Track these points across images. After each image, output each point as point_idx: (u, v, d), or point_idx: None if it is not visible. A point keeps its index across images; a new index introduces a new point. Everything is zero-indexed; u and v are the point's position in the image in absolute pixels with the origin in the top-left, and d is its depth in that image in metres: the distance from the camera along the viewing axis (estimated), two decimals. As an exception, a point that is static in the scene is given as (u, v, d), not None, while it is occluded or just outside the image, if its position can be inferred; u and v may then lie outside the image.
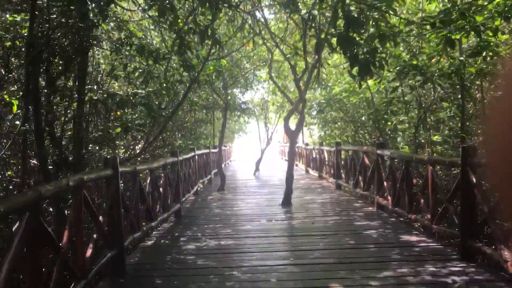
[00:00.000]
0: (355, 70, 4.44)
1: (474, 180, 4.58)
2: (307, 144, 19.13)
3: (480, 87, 8.09)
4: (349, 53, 4.24)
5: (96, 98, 5.60)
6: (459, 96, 7.57)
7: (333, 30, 4.59)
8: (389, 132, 10.38)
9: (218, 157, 13.71)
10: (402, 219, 7.31)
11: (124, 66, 5.96)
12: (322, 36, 4.82)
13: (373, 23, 4.47)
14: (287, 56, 9.79)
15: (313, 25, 5.29)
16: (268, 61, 12.94)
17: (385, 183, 7.77)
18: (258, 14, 8.50)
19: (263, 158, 20.13)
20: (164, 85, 6.78)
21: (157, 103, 7.48)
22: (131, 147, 11.19)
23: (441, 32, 4.91)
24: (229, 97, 14.22)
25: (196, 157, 12.13)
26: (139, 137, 12.10)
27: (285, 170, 20.79)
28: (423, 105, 7.62)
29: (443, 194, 5.41)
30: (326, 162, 14.09)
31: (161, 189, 7.07)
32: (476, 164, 4.58)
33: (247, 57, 13.27)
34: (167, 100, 8.28)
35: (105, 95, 5.61)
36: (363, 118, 10.85)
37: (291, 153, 9.31)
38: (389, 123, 8.71)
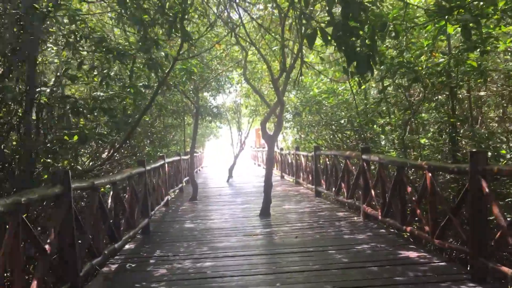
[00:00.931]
0: (352, 67, 3.79)
1: (486, 189, 4.00)
2: (281, 149, 18.51)
3: (468, 86, 7.63)
4: (347, 46, 3.59)
5: (46, 101, 4.75)
6: (449, 96, 7.08)
7: (325, 19, 3.99)
8: (370, 136, 9.85)
9: (189, 165, 12.89)
10: (393, 230, 6.72)
11: (79, 65, 5.12)
12: (314, 25, 4.16)
13: (373, 9, 3.85)
14: (264, 54, 9.14)
15: (297, 11, 4.61)
16: (241, 62, 12.26)
17: (372, 191, 7.17)
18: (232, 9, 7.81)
19: (236, 164, 19.36)
20: (128, 88, 5.95)
21: (121, 108, 6.64)
22: (96, 156, 10.27)
23: (441, 22, 4.35)
24: (200, 101, 13.45)
25: (166, 165, 11.29)
26: (105, 145, 11.20)
27: (259, 175, 20.26)
28: (412, 106, 7.09)
29: (446, 205, 4.82)
30: (303, 168, 13.48)
31: (126, 204, 6.24)
32: (489, 172, 4.00)
33: (218, 58, 12.53)
34: (132, 105, 7.45)
35: (58, 99, 4.76)
36: (342, 121, 10.28)
37: (270, 160, 8.62)
38: (375, 126, 8.14)
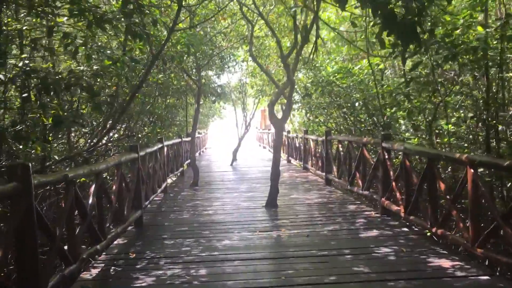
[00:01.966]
0: (385, 39, 2.89)
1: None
2: (288, 132, 17.64)
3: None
4: (386, 9, 2.71)
5: (9, 76, 3.92)
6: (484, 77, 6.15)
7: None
8: (388, 120, 8.95)
9: (190, 148, 12.08)
10: (417, 229, 5.90)
11: (49, 31, 4.25)
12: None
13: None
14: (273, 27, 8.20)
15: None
16: (247, 37, 11.31)
17: (393, 184, 6.33)
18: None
19: (241, 146, 18.48)
20: (115, 62, 5.05)
21: (103, 86, 5.78)
22: (80, 141, 9.46)
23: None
24: (203, 80, 12.56)
25: (165, 149, 10.49)
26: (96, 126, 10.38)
27: (264, 158, 19.42)
28: (444, 86, 6.20)
29: (495, 210, 3.97)
30: (312, 153, 12.63)
31: (113, 196, 5.44)
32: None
33: (223, 33, 11.58)
34: (121, 81, 6.60)
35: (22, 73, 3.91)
36: (356, 104, 9.38)
37: (277, 146, 7.77)
38: (399, 111, 7.24)
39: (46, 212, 5.80)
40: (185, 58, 8.83)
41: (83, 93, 4.86)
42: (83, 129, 7.93)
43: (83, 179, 5.53)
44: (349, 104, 9.63)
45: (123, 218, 5.81)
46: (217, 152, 25.13)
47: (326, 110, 11.36)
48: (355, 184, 8.42)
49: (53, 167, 5.30)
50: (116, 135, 12.88)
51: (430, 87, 6.12)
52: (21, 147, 4.57)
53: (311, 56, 6.60)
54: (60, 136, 9.61)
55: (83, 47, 4.62)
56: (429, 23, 5.04)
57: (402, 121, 9.00)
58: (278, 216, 7.24)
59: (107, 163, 5.23)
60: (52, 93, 4.01)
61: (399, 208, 6.10)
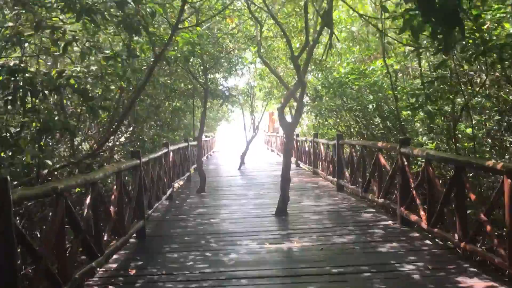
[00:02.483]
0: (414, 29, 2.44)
1: None
2: (297, 135, 17.19)
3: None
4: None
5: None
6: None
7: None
8: (403, 124, 8.50)
9: (197, 152, 11.69)
10: (441, 243, 5.44)
11: (36, 26, 3.86)
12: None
13: None
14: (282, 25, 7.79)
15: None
16: (255, 38, 10.90)
17: (414, 192, 5.87)
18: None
19: (249, 149, 18.03)
20: (110, 59, 4.64)
21: (102, 88, 5.40)
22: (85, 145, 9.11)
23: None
24: (210, 83, 12.17)
25: (171, 154, 10.10)
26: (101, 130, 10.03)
27: (273, 162, 18.98)
28: (468, 88, 5.74)
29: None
30: (322, 157, 12.18)
31: (112, 207, 5.05)
32: None
33: (230, 34, 11.18)
34: (123, 84, 6.22)
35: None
36: (370, 106, 8.92)
37: (287, 151, 7.34)
38: (417, 114, 6.76)
39: (35, 227, 5.42)
40: (191, 59, 8.40)
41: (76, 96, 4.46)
42: (84, 133, 7.56)
43: (78, 189, 5.15)
44: (361, 107, 9.17)
45: (124, 230, 5.41)
46: (224, 156, 24.75)
47: (336, 113, 10.89)
48: (370, 191, 7.97)
49: (46, 180, 4.90)
50: (123, 139, 12.60)
51: (452, 88, 5.65)
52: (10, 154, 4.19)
53: (324, 57, 6.18)
54: (63, 140, 9.34)
55: (76, 44, 4.23)
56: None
57: (417, 125, 8.55)
58: (289, 226, 6.81)
59: (105, 171, 4.83)
60: (40, 94, 3.62)
61: (420, 218, 5.64)
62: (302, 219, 7.24)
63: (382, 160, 7.16)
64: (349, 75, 8.51)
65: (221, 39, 11.25)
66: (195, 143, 14.81)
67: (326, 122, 13.46)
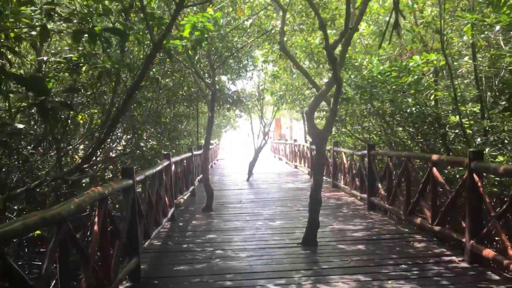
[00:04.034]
0: None
1: None
2: (311, 143, 15.75)
3: None
4: None
5: None
6: None
7: None
8: (451, 131, 7.07)
9: (203, 164, 10.25)
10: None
11: None
12: None
13: None
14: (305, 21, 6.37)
15: None
16: (270, 33, 9.51)
17: (496, 222, 4.42)
18: None
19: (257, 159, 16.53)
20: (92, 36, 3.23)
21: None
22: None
23: None
24: (217, 85, 10.78)
25: (173, 166, 8.66)
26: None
27: (283, 172, 17.51)
28: None
29: None
30: (346, 169, 10.72)
31: (90, 251, 3.60)
32: None
33: (241, 29, 9.79)
34: (111, 79, 4.81)
35: None
36: (410, 110, 7.49)
37: (319, 166, 5.86)
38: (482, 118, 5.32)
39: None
40: (198, 54, 7.00)
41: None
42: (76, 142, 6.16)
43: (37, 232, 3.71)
44: (398, 111, 7.73)
45: (110, 277, 3.96)
46: (230, 164, 23.29)
47: (366, 118, 9.46)
48: (416, 214, 6.52)
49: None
50: (120, 148, 11.18)
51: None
52: None
53: (386, 44, 4.72)
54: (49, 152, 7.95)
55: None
56: None
57: (470, 131, 7.11)
58: (323, 261, 5.34)
59: (80, 202, 3.39)
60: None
61: (505, 258, 4.18)
62: (337, 250, 5.79)
63: (439, 177, 5.69)
64: (388, 72, 7.05)
65: (230, 35, 9.86)
66: (199, 152, 13.42)
67: (344, 130, 12.07)
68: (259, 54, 13.16)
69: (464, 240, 5.03)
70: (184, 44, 5.31)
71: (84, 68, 5.57)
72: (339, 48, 6.07)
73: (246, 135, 36.37)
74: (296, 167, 19.19)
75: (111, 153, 10.33)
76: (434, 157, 5.76)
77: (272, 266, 5.20)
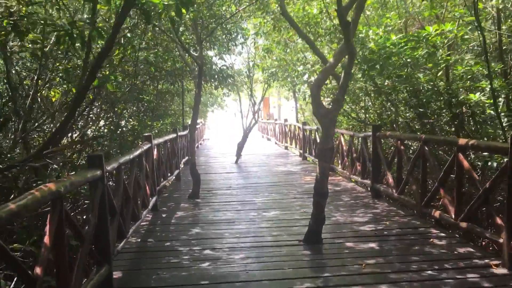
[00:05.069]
0: None
1: None
2: (304, 123, 14.86)
3: None
4: None
5: None
6: None
7: None
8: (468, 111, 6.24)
9: (189, 147, 9.31)
10: None
11: None
12: None
13: None
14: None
15: None
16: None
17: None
18: None
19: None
20: None
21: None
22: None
23: None
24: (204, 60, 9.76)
25: (155, 150, 7.70)
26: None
27: (273, 154, 16.63)
28: None
29: None
30: (345, 152, 9.86)
31: (37, 268, 2.67)
32: None
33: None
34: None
35: None
36: (427, 87, 6.60)
37: (326, 151, 4.95)
38: None
39: None
40: (183, 16, 5.98)
41: None
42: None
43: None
44: (413, 88, 6.85)
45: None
46: (217, 145, 22.33)
47: (366, 97, 8.58)
48: (432, 205, 5.72)
49: None
50: (104, 129, 10.15)
51: None
52: None
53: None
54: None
55: None
56: None
57: (491, 112, 6.28)
58: (330, 265, 4.50)
59: (22, 206, 2.43)
60: None
61: None
62: (346, 250, 4.96)
63: (466, 165, 4.85)
64: (402, 43, 6.12)
65: (218, 2, 8.80)
66: (184, 133, 12.44)
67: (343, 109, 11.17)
68: (249, 26, 12.12)
69: (501, 240, 4.23)
70: (165, 3, 4.31)
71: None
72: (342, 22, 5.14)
73: (233, 114, 35.36)
74: (286, 148, 18.34)
75: (89, 135, 9.32)
76: (462, 141, 4.91)
77: (272, 273, 4.35)
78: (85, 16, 4.95)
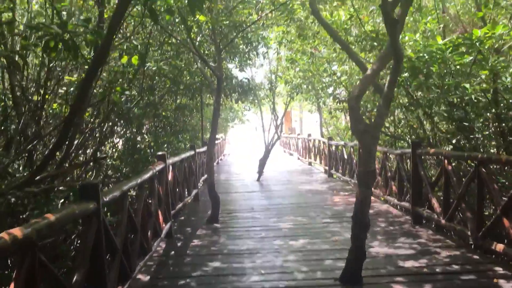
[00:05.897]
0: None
1: None
2: (330, 139, 14.01)
3: None
4: None
5: None
6: None
7: None
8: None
9: (207, 167, 8.59)
10: None
11: None
12: None
13: None
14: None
15: None
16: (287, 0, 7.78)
17: None
18: None
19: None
20: None
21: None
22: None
23: None
24: (223, 72, 9.09)
25: (169, 171, 7.00)
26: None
27: (296, 170, 15.76)
28: None
29: None
30: (377, 170, 8.98)
31: None
32: None
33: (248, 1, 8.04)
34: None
35: None
36: (471, 97, 5.75)
37: (368, 174, 4.15)
38: None
39: None
40: (197, 14, 5.28)
41: None
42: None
43: None
44: (461, 98, 5.99)
45: None
46: (238, 160, 21.61)
47: (406, 109, 7.73)
48: (493, 238, 4.82)
49: None
50: (120, 145, 9.58)
51: None
52: None
53: None
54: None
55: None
56: None
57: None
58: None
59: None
60: None
61: None
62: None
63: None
64: (452, 47, 5.29)
65: (239, 10, 8.14)
66: (203, 149, 11.74)
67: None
68: (271, 36, 11.42)
69: None
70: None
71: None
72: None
73: (254, 128, 34.69)
74: (310, 164, 17.48)
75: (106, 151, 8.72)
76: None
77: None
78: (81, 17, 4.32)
